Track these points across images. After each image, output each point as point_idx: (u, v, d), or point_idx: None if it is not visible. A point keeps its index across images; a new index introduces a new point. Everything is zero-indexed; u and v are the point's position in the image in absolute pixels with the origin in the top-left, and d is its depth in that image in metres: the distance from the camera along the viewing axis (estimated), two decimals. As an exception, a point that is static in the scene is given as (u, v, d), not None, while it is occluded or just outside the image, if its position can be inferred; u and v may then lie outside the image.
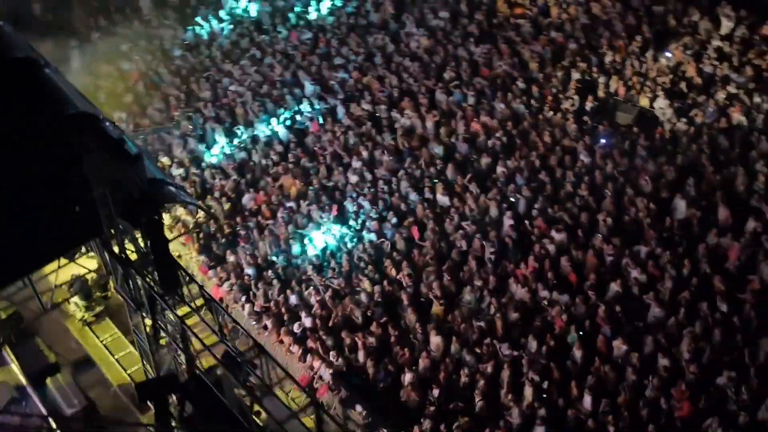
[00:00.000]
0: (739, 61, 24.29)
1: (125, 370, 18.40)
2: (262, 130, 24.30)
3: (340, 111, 24.48)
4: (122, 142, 11.96)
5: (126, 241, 13.67)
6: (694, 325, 16.96)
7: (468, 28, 27.22)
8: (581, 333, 17.28)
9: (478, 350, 17.35)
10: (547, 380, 16.47)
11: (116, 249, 13.92)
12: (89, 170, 12.05)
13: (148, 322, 14.72)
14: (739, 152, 21.30)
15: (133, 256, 13.90)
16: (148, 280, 13.62)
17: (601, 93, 23.99)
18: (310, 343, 18.01)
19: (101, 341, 18.95)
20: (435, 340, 17.55)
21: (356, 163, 22.34)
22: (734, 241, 18.75)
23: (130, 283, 14.08)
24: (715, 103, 22.89)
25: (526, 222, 20.02)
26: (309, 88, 25.44)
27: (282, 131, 23.97)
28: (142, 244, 13.45)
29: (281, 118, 24.45)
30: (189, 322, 13.96)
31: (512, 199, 20.67)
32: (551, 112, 23.26)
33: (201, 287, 15.11)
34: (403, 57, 26.34)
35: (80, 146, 11.90)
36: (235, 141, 24.00)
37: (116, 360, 18.61)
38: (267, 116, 24.68)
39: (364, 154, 22.60)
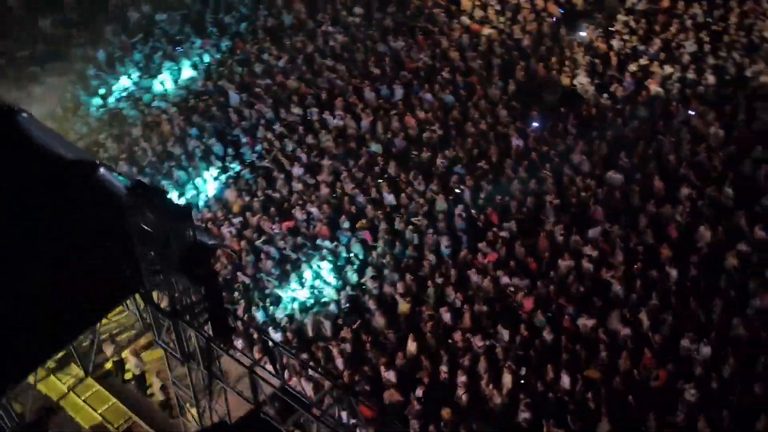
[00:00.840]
0: (646, 34, 25.06)
1: (96, 411, 17.71)
2: (194, 145, 23.49)
3: (271, 118, 23.94)
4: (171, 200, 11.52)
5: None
6: (651, 296, 17.54)
7: (384, 22, 27.03)
8: (549, 315, 17.58)
9: (452, 344, 17.46)
10: (524, 366, 16.73)
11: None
12: (133, 228, 11.46)
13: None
14: (662, 123, 22.04)
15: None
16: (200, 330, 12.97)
17: (520, 76, 24.30)
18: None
19: (65, 385, 18.17)
20: (409, 341, 17.54)
21: (297, 170, 21.97)
22: (672, 209, 19.45)
23: (179, 335, 13.33)
24: (631, 76, 23.55)
25: (476, 211, 20.18)
26: (234, 97, 24.79)
27: (217, 145, 23.23)
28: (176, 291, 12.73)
29: (212, 131, 23.70)
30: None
31: (457, 191, 20.75)
32: (481, 100, 23.38)
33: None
34: (324, 57, 25.97)
35: (128, 209, 11.35)
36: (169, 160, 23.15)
37: (84, 401, 17.89)
38: (196, 131, 23.90)
39: (304, 159, 22.24)
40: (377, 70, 25.03)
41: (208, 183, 22.14)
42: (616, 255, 18.64)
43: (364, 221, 20.16)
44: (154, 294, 12.87)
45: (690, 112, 22.06)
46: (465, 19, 26.64)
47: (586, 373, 16.45)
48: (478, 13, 27.01)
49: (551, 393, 16.28)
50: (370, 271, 19.03)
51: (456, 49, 25.45)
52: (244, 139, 23.31)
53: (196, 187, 22.06)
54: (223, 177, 22.25)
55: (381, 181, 21.20)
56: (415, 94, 24.02)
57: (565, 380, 16.36)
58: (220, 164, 22.72)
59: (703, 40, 24.25)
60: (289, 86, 24.94)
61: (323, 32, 27.12)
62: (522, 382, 16.56)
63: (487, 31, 26.09)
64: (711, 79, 22.88)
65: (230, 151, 23.02)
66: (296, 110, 23.91)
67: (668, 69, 23.64)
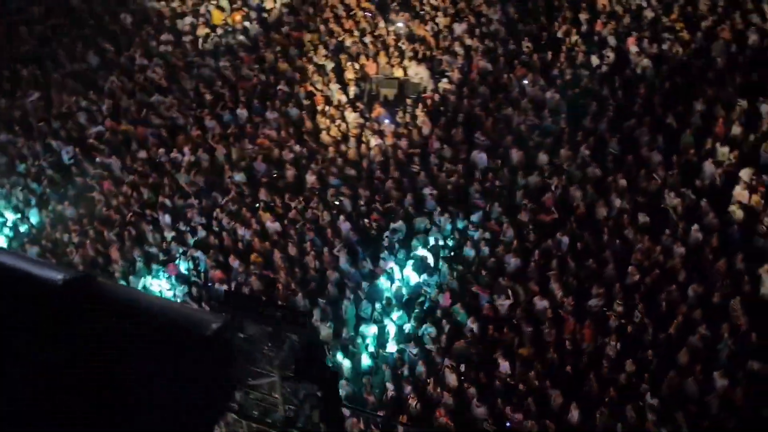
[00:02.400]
0: (456, 13, 25.51)
1: None
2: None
3: (116, 167, 21.97)
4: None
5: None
6: (551, 264, 18.04)
7: (203, 45, 25.61)
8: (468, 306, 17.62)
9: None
10: (461, 362, 16.67)
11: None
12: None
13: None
14: (501, 96, 22.57)
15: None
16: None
17: (352, 75, 23.92)
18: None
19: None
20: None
21: (165, 218, 20.38)
22: (541, 177, 20.06)
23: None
24: (459, 57, 23.88)
25: (362, 219, 19.77)
26: (65, 154, 22.46)
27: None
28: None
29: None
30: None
31: (337, 202, 20.19)
32: (326, 107, 22.80)
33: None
34: (150, 93, 24.15)
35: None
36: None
37: None
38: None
39: (168, 203, 20.68)
40: (210, 95, 23.61)
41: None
42: (506, 232, 18.91)
43: (257, 256, 19.02)
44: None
45: (524, 81, 22.66)
46: (285, 29, 25.67)
47: (519, 352, 16.61)
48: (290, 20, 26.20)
49: (497, 381, 16.30)
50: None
51: (284, 60, 24.53)
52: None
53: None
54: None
55: (258, 207, 20.07)
56: (258, 113, 22.94)
57: (504, 365, 16.45)
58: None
59: (512, 12, 24.94)
60: (122, 130, 22.93)
61: (139, 66, 25.15)
62: (463, 378, 16.46)
63: (308, 36, 25.31)
64: (530, 46, 23.59)
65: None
66: (142, 154, 22.05)
67: (489, 43, 24.13)
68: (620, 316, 16.84)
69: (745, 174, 19.28)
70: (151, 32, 26.27)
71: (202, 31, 25.88)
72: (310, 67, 24.16)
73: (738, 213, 18.63)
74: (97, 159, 21.96)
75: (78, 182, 21.32)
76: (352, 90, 23.21)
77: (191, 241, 19.46)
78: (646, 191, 19.26)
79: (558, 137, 21.03)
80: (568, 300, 17.26)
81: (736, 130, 20.43)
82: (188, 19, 26.31)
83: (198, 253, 19.03)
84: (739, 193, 18.99)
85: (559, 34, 24.33)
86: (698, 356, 15.89)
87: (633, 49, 23.35)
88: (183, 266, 18.78)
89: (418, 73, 23.69)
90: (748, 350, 15.89)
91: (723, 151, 20.02)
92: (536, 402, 15.71)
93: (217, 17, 26.48)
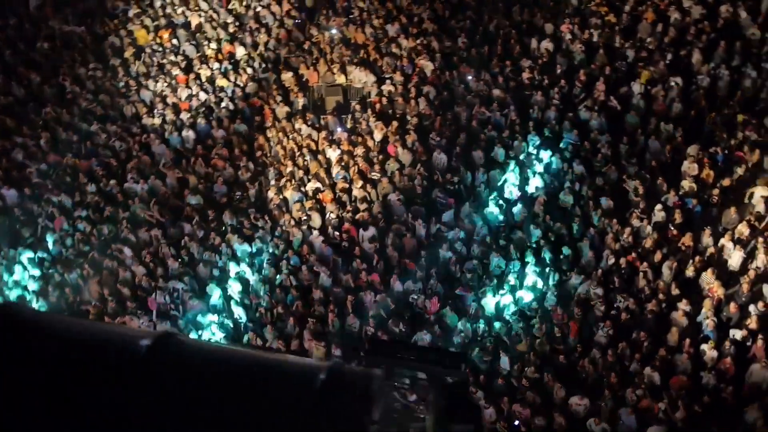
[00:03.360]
0: (387, 14, 25.19)
1: None
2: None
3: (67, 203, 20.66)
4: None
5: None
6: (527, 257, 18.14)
7: (138, 68, 24.39)
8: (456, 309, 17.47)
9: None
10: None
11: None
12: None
13: None
14: (446, 94, 22.45)
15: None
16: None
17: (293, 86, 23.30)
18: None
19: None
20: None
21: (127, 251, 19.32)
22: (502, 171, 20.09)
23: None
24: (403, 59, 23.56)
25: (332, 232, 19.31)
26: (11, 196, 20.90)
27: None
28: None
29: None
30: None
31: (304, 218, 19.64)
32: (275, 121, 22.10)
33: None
34: (89, 122, 22.79)
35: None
36: None
37: None
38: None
39: (131, 237, 19.62)
40: (153, 119, 22.52)
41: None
42: (479, 230, 18.86)
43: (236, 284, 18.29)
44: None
45: (469, 77, 22.59)
46: (225, 45, 24.67)
47: (517, 348, 16.60)
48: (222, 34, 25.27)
49: (500, 378, 16.23)
50: (268, 331, 17.38)
51: (222, 76, 23.65)
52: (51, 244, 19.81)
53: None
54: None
55: (226, 230, 19.27)
56: (205, 133, 22.04)
57: (505, 361, 16.41)
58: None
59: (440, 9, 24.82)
60: (65, 164, 21.57)
61: (71, 94, 23.70)
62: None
63: (241, 52, 24.46)
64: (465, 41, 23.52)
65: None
66: (91, 188, 20.78)
67: (424, 41, 23.94)
68: (605, 301, 16.96)
69: (692, 149, 19.76)
70: (77, 57, 24.68)
71: (129, 52, 24.56)
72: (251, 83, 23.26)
73: (691, 187, 19.05)
74: (45, 197, 20.45)
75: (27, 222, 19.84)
76: (301, 101, 22.47)
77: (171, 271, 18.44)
78: (604, 175, 19.45)
79: (510, 130, 20.98)
80: (552, 290, 17.27)
81: (677, 107, 20.87)
82: (113, 40, 24.88)
83: (178, 284, 18.08)
84: (689, 167, 19.43)
85: (491, 28, 24.25)
86: (685, 332, 16.17)
87: (567, 36, 23.55)
88: (160, 300, 17.78)
89: (360, 78, 23.16)
90: (728, 320, 16.31)
91: (667, 128, 20.45)
92: (539, 396, 15.68)
93: (143, 37, 25.21)
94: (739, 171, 19.02)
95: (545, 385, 15.79)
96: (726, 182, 18.86)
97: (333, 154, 20.86)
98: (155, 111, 22.48)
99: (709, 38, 22.18)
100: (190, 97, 22.99)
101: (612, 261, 17.79)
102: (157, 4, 25.87)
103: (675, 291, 16.88)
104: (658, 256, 17.61)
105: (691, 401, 14.91)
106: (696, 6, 22.47)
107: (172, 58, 24.39)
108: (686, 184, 19.00)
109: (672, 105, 20.96)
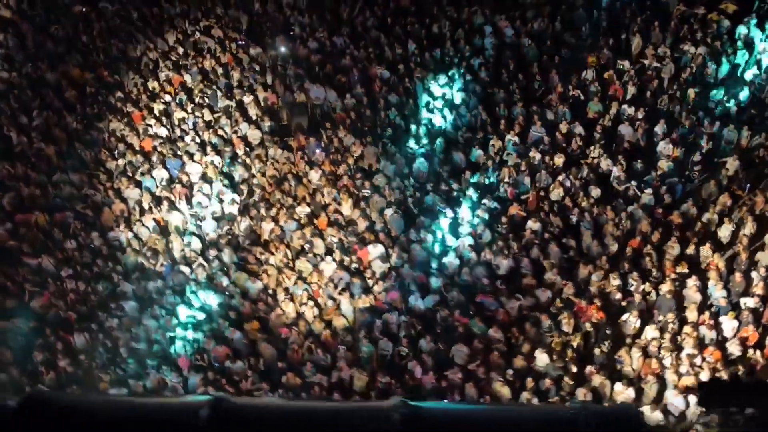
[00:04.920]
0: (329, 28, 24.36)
1: None
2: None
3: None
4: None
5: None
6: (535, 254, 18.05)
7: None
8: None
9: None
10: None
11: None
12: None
13: None
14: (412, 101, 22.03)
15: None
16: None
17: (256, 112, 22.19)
18: None
19: None
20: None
21: (132, 305, 17.87)
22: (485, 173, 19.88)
23: None
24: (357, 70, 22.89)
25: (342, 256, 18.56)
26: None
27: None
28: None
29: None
30: None
31: (306, 246, 18.75)
32: (252, 149, 20.98)
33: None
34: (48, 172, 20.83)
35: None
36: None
37: None
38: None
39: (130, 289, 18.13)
40: (117, 162, 20.84)
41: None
42: (481, 234, 18.65)
43: (256, 323, 17.24)
44: None
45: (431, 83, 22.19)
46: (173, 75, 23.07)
47: (553, 344, 16.49)
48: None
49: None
50: (307, 368, 16.50)
51: (179, 109, 22.18)
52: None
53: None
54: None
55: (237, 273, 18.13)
56: (179, 169, 20.64)
57: (542, 357, 16.26)
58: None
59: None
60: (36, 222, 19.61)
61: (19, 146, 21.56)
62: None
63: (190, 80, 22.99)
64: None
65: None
66: (71, 244, 19.02)
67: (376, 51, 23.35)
68: (619, 287, 17.10)
69: (659, 129, 20.18)
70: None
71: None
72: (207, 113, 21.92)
73: (667, 165, 19.47)
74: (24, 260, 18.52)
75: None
76: (267, 124, 21.38)
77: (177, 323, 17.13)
78: (589, 166, 19.58)
79: (482, 130, 20.80)
80: (568, 285, 17.26)
81: (632, 89, 21.25)
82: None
83: (196, 334, 16.85)
84: (664, 147, 19.84)
85: (434, 29, 23.88)
86: (702, 307, 16.52)
87: (508, 31, 23.49)
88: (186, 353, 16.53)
89: (320, 94, 22.28)
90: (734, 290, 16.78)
91: (630, 111, 20.80)
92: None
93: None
94: (705, 145, 19.53)
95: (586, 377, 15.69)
96: (697, 157, 19.33)
97: (315, 175, 19.92)
98: (115, 153, 20.66)
99: (643, 19, 22.59)
100: (148, 134, 21.28)
101: (616, 247, 17.90)
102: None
103: (681, 269, 17.10)
104: (656, 237, 17.83)
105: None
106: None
107: (119, 94, 22.53)
108: (663, 164, 19.34)
109: (626, 88, 21.23)
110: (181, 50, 23.73)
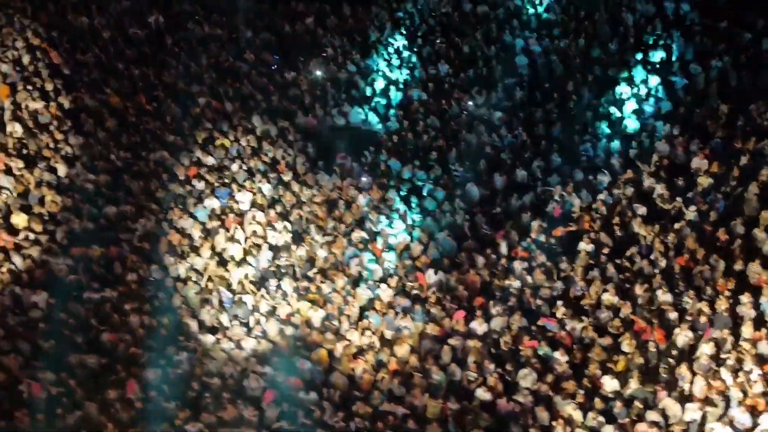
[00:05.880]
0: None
1: None
2: None
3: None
4: None
5: None
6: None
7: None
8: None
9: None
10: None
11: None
12: None
13: None
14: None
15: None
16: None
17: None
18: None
19: None
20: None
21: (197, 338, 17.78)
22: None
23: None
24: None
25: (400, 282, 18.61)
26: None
27: None
28: None
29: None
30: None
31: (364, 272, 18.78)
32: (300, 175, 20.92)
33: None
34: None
35: None
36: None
37: None
38: None
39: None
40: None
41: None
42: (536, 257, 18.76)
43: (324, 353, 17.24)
44: None
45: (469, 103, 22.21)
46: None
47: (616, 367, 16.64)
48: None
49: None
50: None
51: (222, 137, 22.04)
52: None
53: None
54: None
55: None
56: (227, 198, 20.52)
57: (611, 383, 16.40)
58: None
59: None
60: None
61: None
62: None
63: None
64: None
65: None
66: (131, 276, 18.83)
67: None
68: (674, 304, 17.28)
69: (694, 145, 20.40)
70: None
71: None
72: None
73: (706, 181, 19.66)
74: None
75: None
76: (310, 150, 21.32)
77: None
78: (632, 181, 19.71)
79: (522, 149, 20.91)
80: (626, 304, 17.41)
81: (667, 105, 21.46)
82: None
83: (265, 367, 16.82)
84: (699, 162, 20.04)
85: (466, 49, 23.94)
86: (758, 323, 16.75)
87: (537, 48, 23.60)
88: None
89: (361, 118, 22.24)
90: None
91: (665, 128, 21.00)
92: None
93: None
94: (744, 159, 19.72)
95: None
96: (735, 172, 19.52)
97: (363, 200, 19.92)
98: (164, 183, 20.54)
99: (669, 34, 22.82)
100: (194, 162, 21.15)
101: (664, 264, 18.07)
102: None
103: (731, 285, 17.29)
104: (701, 254, 18.02)
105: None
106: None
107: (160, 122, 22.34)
108: (703, 180, 19.52)
109: (659, 104, 21.45)
110: (215, 75, 23.45)
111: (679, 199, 18.98)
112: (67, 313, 17.75)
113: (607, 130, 20.95)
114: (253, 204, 20.00)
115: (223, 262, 18.79)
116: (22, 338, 17.31)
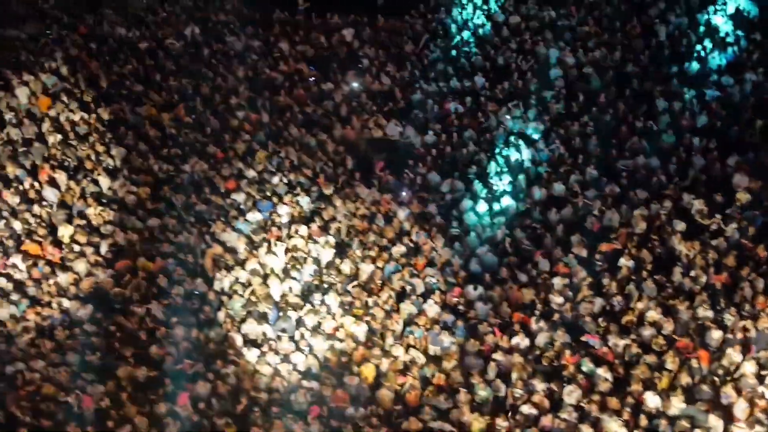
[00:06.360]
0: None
1: None
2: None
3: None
4: None
5: None
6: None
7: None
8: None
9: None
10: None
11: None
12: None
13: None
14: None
15: None
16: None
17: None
18: None
19: None
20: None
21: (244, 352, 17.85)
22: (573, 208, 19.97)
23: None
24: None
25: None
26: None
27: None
28: None
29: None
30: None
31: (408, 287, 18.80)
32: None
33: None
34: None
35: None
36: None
37: None
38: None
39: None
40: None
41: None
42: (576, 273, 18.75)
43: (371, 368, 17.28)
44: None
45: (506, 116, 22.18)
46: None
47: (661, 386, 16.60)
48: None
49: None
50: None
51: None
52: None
53: None
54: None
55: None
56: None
57: (654, 400, 16.40)
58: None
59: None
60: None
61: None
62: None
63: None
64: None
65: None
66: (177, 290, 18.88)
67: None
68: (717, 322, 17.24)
69: (732, 160, 20.33)
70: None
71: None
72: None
73: (745, 197, 19.57)
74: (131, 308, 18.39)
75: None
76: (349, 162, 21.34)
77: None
78: (670, 198, 19.66)
79: (560, 164, 20.88)
80: (669, 321, 17.38)
81: (703, 119, 21.38)
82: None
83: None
84: (739, 179, 19.95)
85: (500, 61, 23.90)
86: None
87: (570, 60, 23.54)
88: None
89: (398, 130, 22.23)
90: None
91: (701, 142, 20.91)
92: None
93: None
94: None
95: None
96: (773, 188, 19.42)
97: (403, 214, 19.95)
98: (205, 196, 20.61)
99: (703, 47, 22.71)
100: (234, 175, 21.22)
101: (706, 281, 18.02)
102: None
103: (773, 302, 17.23)
104: (745, 271, 17.97)
105: None
106: None
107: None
108: (742, 196, 19.45)
109: (696, 118, 21.37)
110: (252, 86, 23.53)
111: (718, 215, 18.80)
112: (115, 325, 17.78)
113: (644, 144, 20.72)
114: (295, 217, 19.96)
115: (266, 276, 18.77)
116: (72, 351, 17.34)
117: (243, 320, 18.02)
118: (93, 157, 21.59)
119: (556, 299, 18.06)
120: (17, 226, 19.61)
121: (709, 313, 17.23)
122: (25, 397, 16.34)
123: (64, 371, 16.90)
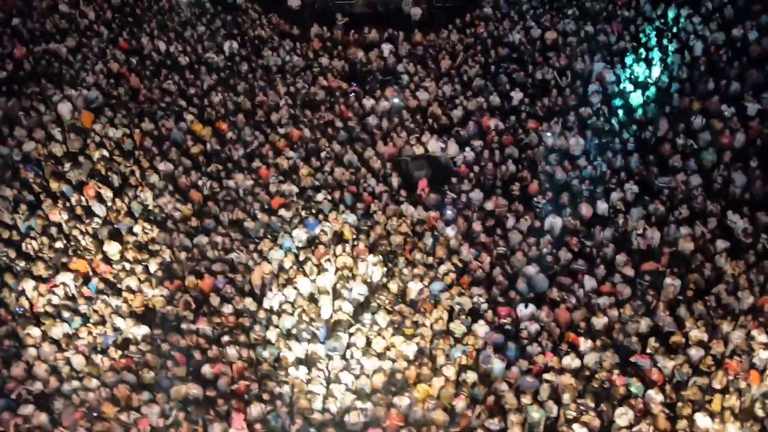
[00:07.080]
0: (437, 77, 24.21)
1: None
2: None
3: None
4: None
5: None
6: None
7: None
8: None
9: None
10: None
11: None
12: None
13: None
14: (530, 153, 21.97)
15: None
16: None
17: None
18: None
19: None
20: None
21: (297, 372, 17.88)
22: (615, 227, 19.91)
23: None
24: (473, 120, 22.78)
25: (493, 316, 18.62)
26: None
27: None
28: None
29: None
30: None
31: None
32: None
33: None
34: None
35: None
36: None
37: None
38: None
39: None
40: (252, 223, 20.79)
41: None
42: (621, 291, 18.72)
43: (424, 388, 17.28)
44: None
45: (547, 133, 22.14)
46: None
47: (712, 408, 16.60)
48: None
49: None
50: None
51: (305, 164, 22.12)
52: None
53: None
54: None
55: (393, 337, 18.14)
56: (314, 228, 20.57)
57: (704, 421, 16.38)
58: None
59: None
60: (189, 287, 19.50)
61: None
62: None
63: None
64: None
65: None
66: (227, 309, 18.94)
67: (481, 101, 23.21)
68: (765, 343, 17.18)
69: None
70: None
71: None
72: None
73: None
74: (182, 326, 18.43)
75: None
76: (395, 180, 21.30)
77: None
78: (712, 215, 19.58)
79: (604, 180, 20.83)
80: (716, 343, 17.34)
81: (740, 137, 21.30)
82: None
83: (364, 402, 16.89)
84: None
85: (538, 76, 23.84)
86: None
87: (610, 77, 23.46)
88: None
89: (439, 147, 22.20)
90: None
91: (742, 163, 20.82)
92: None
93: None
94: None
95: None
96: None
97: (451, 232, 19.93)
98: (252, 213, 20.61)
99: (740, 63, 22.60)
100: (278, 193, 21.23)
101: (750, 300, 17.97)
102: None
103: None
104: (791, 293, 17.89)
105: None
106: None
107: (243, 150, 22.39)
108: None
109: (735, 135, 21.28)
110: (291, 101, 23.52)
111: (764, 235, 18.74)
112: (169, 344, 17.81)
113: (685, 162, 20.66)
114: (341, 235, 19.97)
115: (314, 295, 18.79)
116: (127, 370, 17.39)
117: (294, 339, 17.97)
118: (138, 173, 21.52)
119: (602, 320, 17.98)
120: (62, 243, 19.55)
121: (763, 337, 17.08)
122: (81, 417, 16.33)
123: (120, 390, 16.86)
